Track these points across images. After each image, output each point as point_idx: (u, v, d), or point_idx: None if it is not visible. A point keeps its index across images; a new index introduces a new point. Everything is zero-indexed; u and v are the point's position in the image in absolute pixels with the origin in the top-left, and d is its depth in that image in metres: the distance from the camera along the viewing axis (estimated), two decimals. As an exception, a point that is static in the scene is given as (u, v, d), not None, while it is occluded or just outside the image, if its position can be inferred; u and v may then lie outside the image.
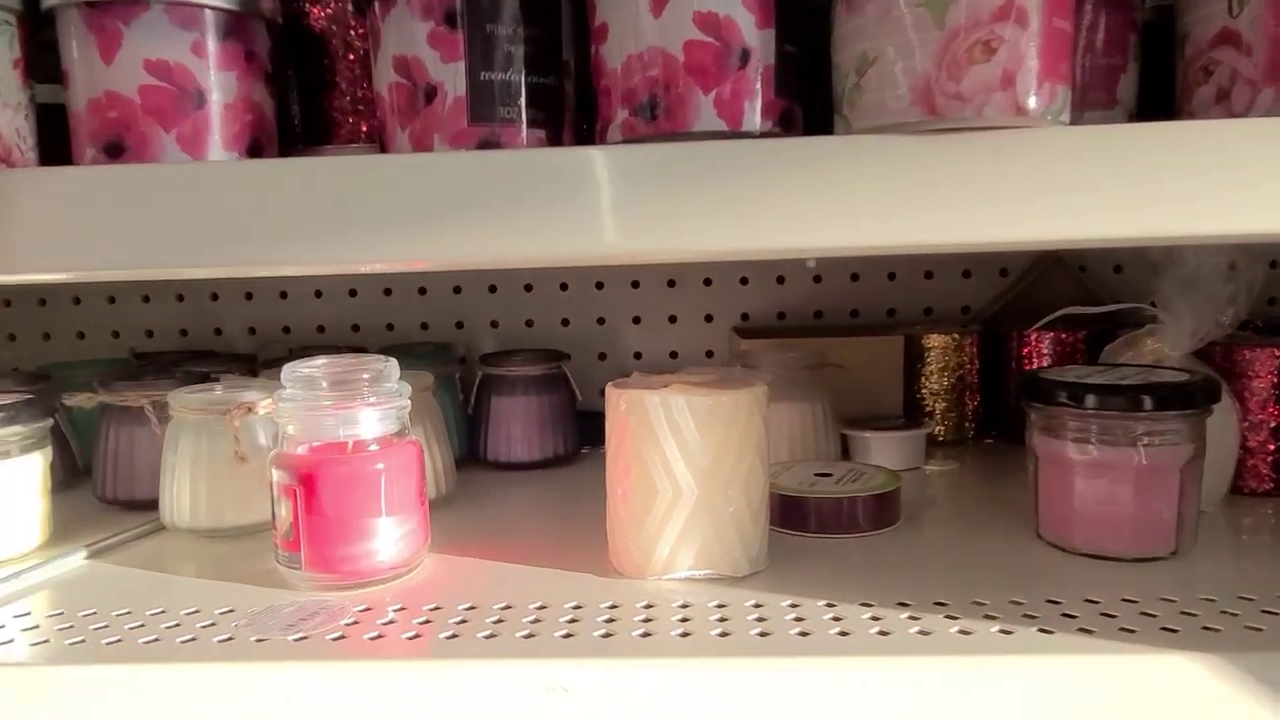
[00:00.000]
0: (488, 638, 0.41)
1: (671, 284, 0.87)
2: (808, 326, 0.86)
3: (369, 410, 0.47)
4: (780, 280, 0.86)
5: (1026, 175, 0.31)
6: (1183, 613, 0.41)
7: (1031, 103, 0.31)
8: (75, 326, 0.90)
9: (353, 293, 0.88)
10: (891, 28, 0.31)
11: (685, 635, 0.41)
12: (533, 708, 0.38)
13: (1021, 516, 0.55)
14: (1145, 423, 0.46)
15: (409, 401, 0.49)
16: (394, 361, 0.49)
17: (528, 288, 0.87)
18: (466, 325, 0.88)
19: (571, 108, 0.41)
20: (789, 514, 0.54)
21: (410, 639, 0.41)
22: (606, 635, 0.41)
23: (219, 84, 0.39)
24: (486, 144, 0.38)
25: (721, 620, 0.42)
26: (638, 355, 0.87)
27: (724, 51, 0.35)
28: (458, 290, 0.88)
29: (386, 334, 0.89)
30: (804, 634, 0.41)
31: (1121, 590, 0.44)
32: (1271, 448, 0.57)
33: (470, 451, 0.74)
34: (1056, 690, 0.37)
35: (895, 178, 0.32)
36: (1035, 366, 0.74)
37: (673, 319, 0.87)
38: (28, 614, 0.45)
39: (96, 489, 0.63)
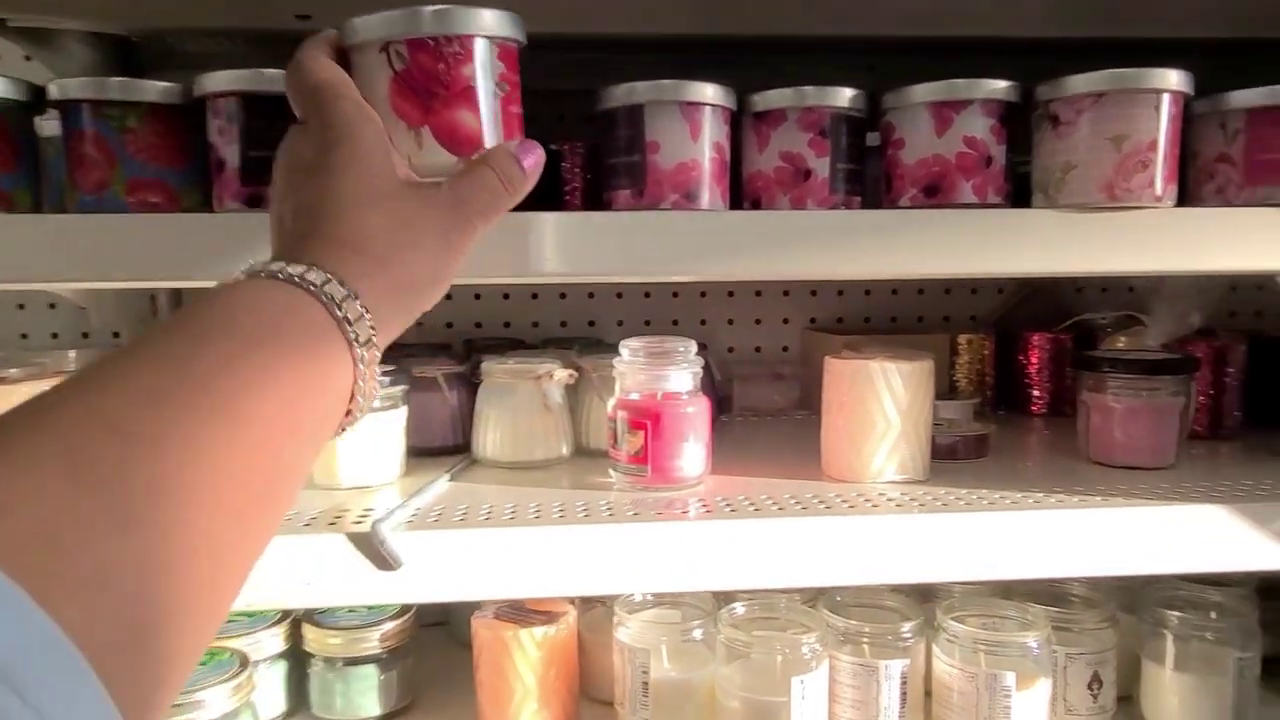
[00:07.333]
0: (755, 510, 0.65)
1: (758, 294, 1.12)
2: (861, 328, 1.13)
3: (682, 372, 0.71)
4: (840, 293, 1.13)
5: (1150, 235, 0.60)
6: (1178, 489, 0.70)
7: (1160, 194, 0.59)
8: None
9: (505, 295, 1.09)
10: (1089, 149, 0.59)
11: (899, 506, 0.66)
12: (788, 539, 0.62)
13: (1070, 448, 0.83)
14: (1161, 381, 0.75)
15: (700, 369, 0.73)
16: (692, 341, 0.72)
17: (646, 294, 1.11)
18: (597, 324, 1.11)
19: (870, 183, 0.67)
20: (925, 447, 0.80)
21: (706, 510, 0.65)
22: (851, 506, 0.66)
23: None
24: (835, 206, 0.63)
25: (914, 500, 0.68)
26: (730, 349, 1.12)
27: (979, 158, 0.62)
28: (591, 295, 1.10)
29: (532, 330, 1.10)
30: (968, 503, 0.67)
31: (1140, 483, 0.72)
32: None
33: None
34: (1110, 528, 0.64)
35: (1083, 232, 0.59)
36: (1037, 359, 1.03)
37: (758, 321, 1.13)
38: (443, 508, 0.66)
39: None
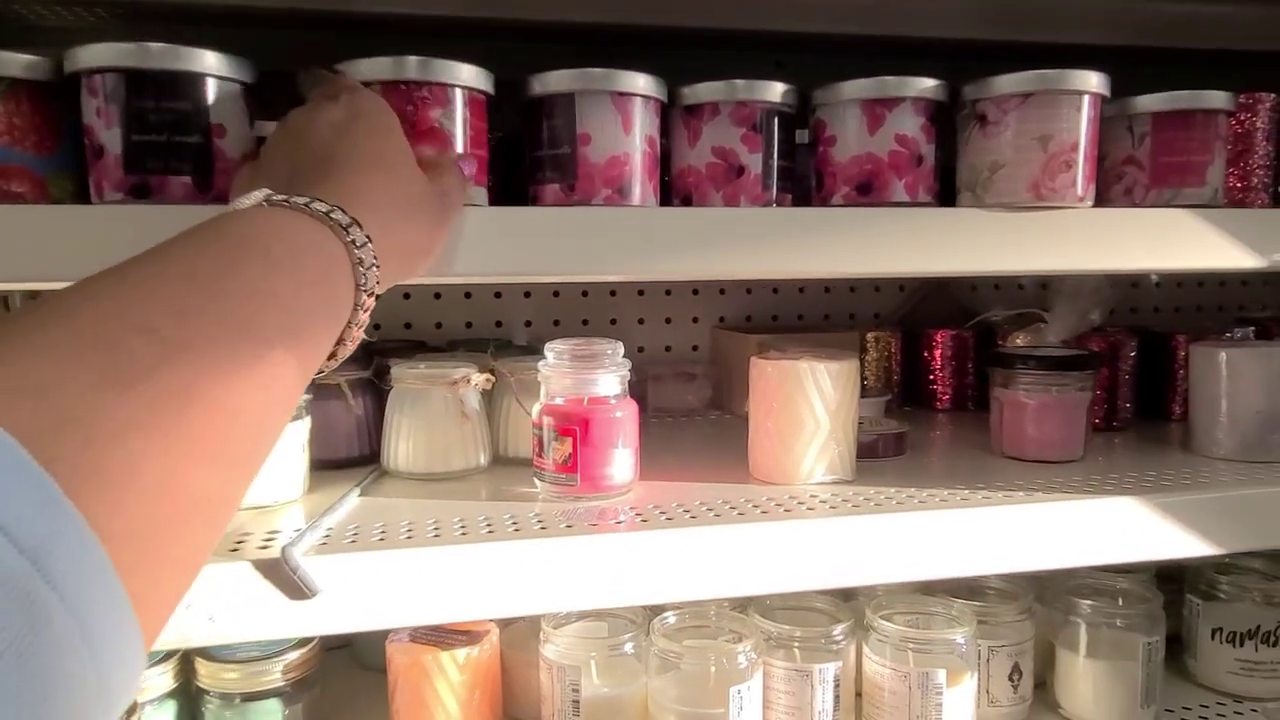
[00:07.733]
0: (691, 517, 0.63)
1: (668, 292, 1.10)
2: (769, 327, 1.13)
3: (610, 375, 0.68)
4: (748, 291, 1.13)
5: (1076, 234, 0.60)
6: (1089, 482, 0.72)
7: (1082, 194, 0.60)
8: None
9: (406, 295, 1.03)
10: (1016, 148, 0.59)
11: (834, 508, 0.65)
12: (728, 547, 0.61)
13: (980, 442, 0.85)
14: (1071, 377, 0.77)
15: (628, 371, 0.70)
16: (619, 343, 0.69)
17: (555, 294, 1.07)
18: (505, 324, 1.06)
19: (799, 180, 0.65)
20: (847, 446, 0.80)
21: (642, 520, 0.63)
22: (788, 511, 0.65)
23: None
24: (768, 204, 0.62)
25: (847, 501, 0.67)
26: (640, 349, 1.10)
27: (910, 156, 0.61)
28: (498, 295, 1.06)
29: (436, 331, 1.05)
30: (899, 502, 0.67)
31: (1054, 476, 0.74)
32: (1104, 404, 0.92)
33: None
34: (1042, 523, 0.66)
35: (1015, 231, 0.60)
36: (941, 356, 1.06)
37: (668, 320, 1.11)
38: (357, 527, 0.61)
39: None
